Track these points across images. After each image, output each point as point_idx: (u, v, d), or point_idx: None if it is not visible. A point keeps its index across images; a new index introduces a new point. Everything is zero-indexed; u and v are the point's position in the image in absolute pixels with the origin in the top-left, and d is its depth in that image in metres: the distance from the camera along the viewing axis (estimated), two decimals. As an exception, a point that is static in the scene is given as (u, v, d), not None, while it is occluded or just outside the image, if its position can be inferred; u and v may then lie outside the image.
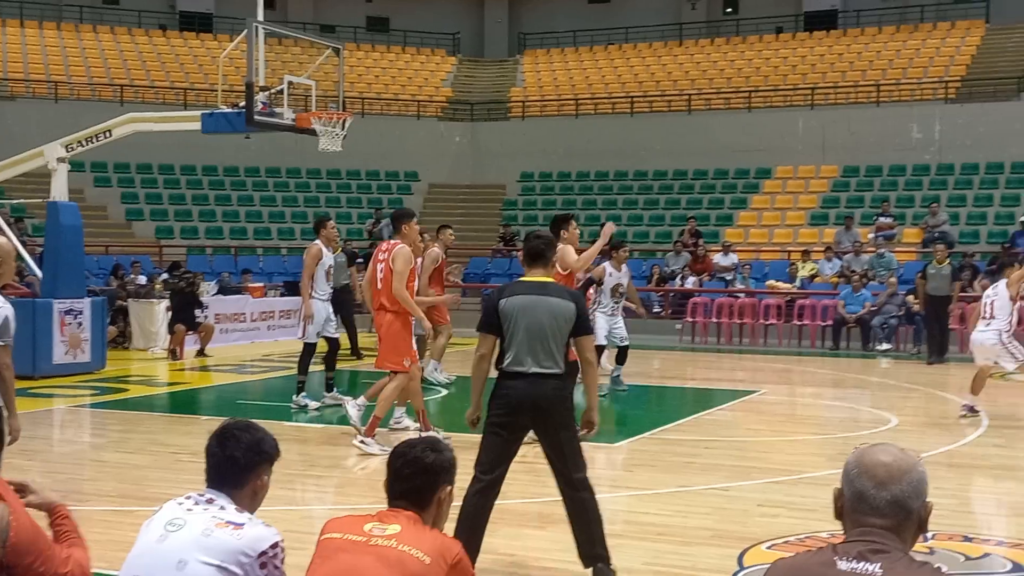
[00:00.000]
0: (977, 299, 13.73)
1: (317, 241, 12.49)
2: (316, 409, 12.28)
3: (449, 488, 3.63)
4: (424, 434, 9.51)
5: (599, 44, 36.79)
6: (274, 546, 3.42)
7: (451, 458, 3.67)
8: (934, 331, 18.53)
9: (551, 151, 30.90)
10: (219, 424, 3.70)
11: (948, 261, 18.81)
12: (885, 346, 19.99)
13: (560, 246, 9.93)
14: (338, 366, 13.24)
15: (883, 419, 12.14)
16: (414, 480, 3.55)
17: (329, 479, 9.22)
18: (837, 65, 31.80)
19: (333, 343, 12.80)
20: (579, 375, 6.54)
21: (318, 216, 14.72)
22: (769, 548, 6.72)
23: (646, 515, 7.70)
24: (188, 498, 3.55)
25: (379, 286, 10.07)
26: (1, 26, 33.08)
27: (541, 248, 6.20)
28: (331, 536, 3.50)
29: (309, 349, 12.38)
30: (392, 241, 10.28)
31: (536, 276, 6.16)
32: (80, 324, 15.53)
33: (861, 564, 2.61)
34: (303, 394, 12.43)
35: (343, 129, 16.10)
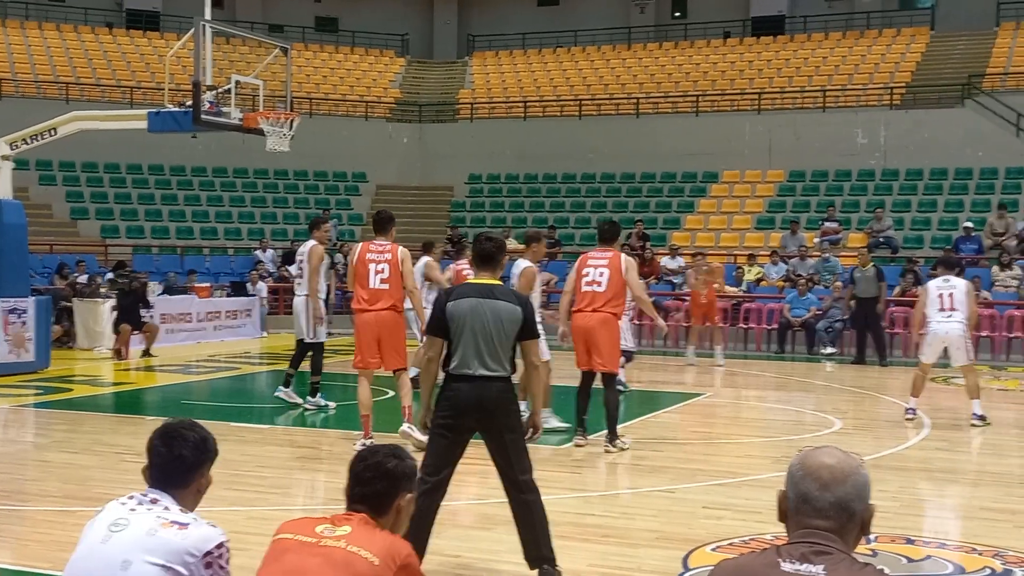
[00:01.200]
0: (914, 304, 14.02)
1: (312, 241, 12.36)
2: (333, 408, 12.43)
3: (409, 496, 3.63)
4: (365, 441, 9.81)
5: (548, 47, 36.90)
6: (219, 546, 3.42)
7: (412, 466, 3.67)
8: (863, 333, 18.93)
9: (499, 153, 30.94)
10: (161, 424, 3.68)
11: (872, 264, 19.24)
12: (830, 350, 20.23)
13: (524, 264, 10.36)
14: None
15: (827, 422, 12.29)
16: (374, 484, 3.55)
17: (274, 479, 9.17)
18: (784, 70, 32.15)
19: (311, 346, 12.50)
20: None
21: (313, 216, 14.60)
22: (714, 550, 6.79)
23: (592, 516, 7.74)
24: (131, 498, 3.54)
25: (384, 286, 9.97)
26: (-58, 20, 32.53)
27: (491, 251, 6.20)
28: (282, 537, 3.50)
29: (320, 348, 12.44)
30: (383, 242, 10.20)
31: (485, 279, 6.17)
32: (24, 323, 15.33)
33: (804, 566, 2.64)
34: (320, 395, 12.47)
35: (291, 129, 16.04)
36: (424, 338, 6.25)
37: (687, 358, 18.66)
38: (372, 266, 9.96)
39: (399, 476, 3.60)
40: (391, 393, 13.89)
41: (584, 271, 10.16)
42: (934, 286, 12.37)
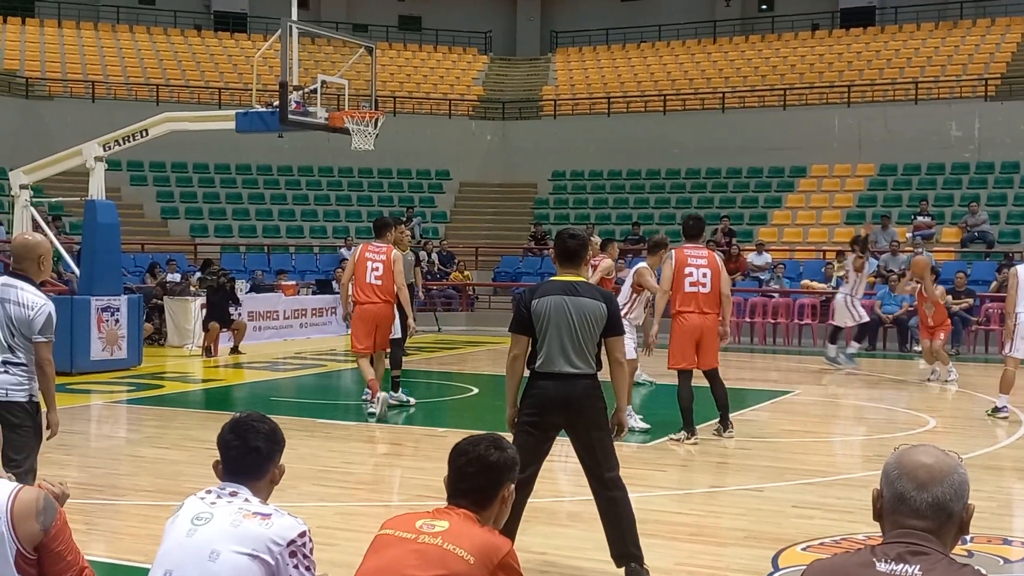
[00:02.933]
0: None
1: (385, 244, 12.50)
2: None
3: (512, 486, 3.62)
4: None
5: (631, 42, 36.69)
6: (302, 535, 3.45)
7: (514, 456, 3.65)
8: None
9: (583, 150, 30.83)
10: (229, 419, 3.71)
11: None
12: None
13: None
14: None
15: (920, 420, 12.01)
16: (478, 479, 3.54)
17: (360, 475, 9.22)
18: (874, 62, 31.53)
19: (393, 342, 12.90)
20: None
21: (391, 217, 14.86)
22: (804, 550, 6.66)
23: (679, 515, 7.65)
24: (209, 492, 3.57)
25: (378, 282, 11.44)
26: (39, 27, 33.42)
27: (575, 248, 6.11)
28: (384, 532, 3.51)
29: (399, 344, 12.72)
30: (380, 245, 11.62)
31: (568, 275, 6.09)
32: (117, 321, 15.66)
33: (900, 566, 2.58)
34: (402, 389, 12.64)
35: (375, 128, 16.14)
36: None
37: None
38: (369, 264, 11.46)
39: (502, 468, 3.57)
40: (475, 391, 13.94)
41: (687, 271, 10.19)
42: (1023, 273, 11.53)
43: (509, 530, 5.85)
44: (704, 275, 10.19)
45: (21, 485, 3.31)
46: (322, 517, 7.04)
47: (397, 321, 12.50)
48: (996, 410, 11.98)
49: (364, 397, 12.21)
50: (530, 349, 6.04)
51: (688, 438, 10.36)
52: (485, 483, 3.54)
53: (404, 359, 13.02)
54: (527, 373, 6.12)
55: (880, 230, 24.09)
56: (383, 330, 11.71)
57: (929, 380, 15.31)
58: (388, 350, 12.08)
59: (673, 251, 10.44)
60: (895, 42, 32.53)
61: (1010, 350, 11.65)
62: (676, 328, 10.30)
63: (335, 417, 11.92)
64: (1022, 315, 11.44)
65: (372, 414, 11.55)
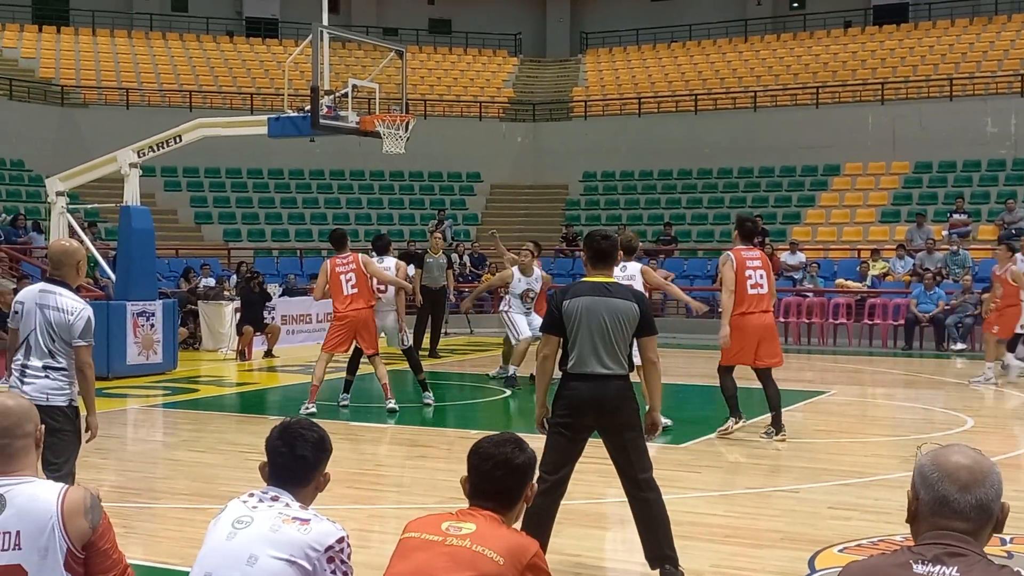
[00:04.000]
0: None
1: (351, 253, 12.60)
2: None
3: (533, 484, 3.66)
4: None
5: (662, 42, 36.59)
6: (340, 540, 3.46)
7: (534, 454, 3.69)
8: None
9: (614, 150, 30.77)
10: (279, 423, 3.73)
11: None
12: (960, 346, 19.61)
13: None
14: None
15: (958, 420, 11.90)
16: (506, 481, 3.56)
17: (393, 478, 9.25)
18: (908, 59, 31.27)
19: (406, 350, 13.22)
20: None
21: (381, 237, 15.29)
22: (841, 551, 6.61)
23: (714, 516, 7.61)
24: (252, 496, 3.59)
25: (354, 291, 11.82)
26: (74, 35, 33.77)
27: (608, 249, 6.13)
28: (410, 536, 3.52)
29: (412, 348, 13.13)
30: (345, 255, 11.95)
31: (600, 276, 6.09)
32: (152, 326, 15.78)
33: (938, 567, 2.58)
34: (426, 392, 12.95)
35: (406, 131, 16.16)
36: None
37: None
38: (342, 277, 11.79)
39: (527, 469, 3.62)
40: (507, 392, 13.94)
41: (747, 273, 10.42)
42: None
43: (543, 533, 5.86)
44: (761, 276, 10.49)
45: (67, 485, 3.36)
46: (355, 520, 7.06)
47: (400, 332, 12.75)
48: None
49: (305, 403, 12.06)
50: (561, 350, 6.03)
51: (737, 422, 10.58)
52: (512, 484, 3.56)
53: (437, 362, 13.14)
54: (558, 374, 6.12)
55: (916, 228, 23.89)
56: (365, 333, 12.00)
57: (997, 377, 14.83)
58: (371, 356, 12.12)
59: (731, 253, 10.48)
60: (929, 38, 32.25)
61: None
62: (739, 328, 10.40)
63: (368, 420, 11.96)
64: None
65: (393, 410, 12.04)
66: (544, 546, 5.86)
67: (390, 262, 12.61)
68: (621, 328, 5.91)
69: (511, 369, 14.34)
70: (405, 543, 3.50)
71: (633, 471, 5.99)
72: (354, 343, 12.17)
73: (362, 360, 12.47)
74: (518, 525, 3.71)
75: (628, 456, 5.99)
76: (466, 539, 3.39)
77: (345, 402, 12.59)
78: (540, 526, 5.86)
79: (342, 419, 11.66)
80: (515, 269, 14.42)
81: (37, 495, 3.28)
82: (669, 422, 10.90)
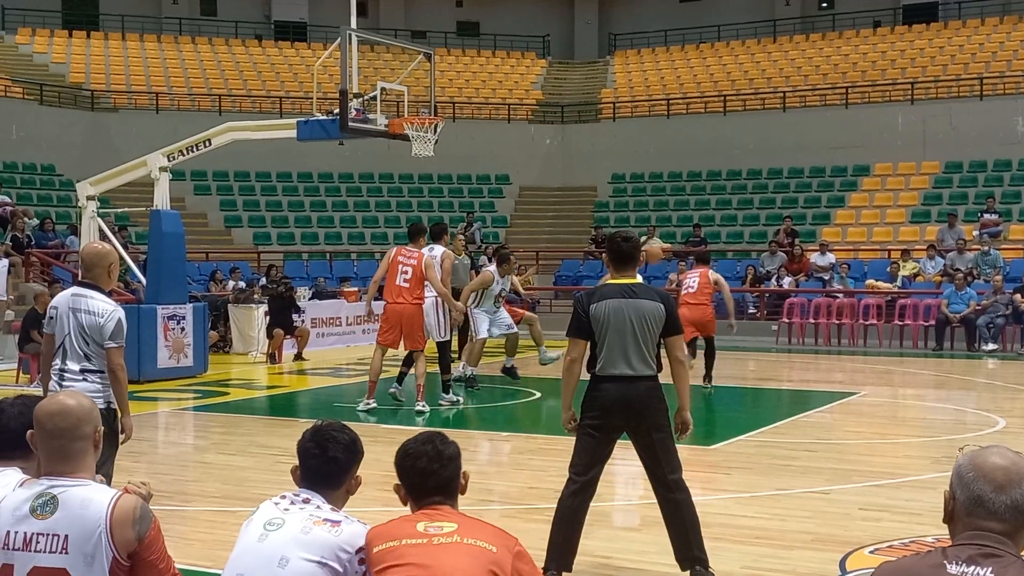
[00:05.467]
0: None
1: (441, 247, 12.95)
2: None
3: (467, 472, 3.76)
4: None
5: (690, 43, 36.50)
6: None
7: (457, 445, 3.79)
8: None
9: (642, 152, 30.72)
10: (311, 426, 3.74)
11: None
12: (991, 346, 19.45)
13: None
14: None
15: (990, 421, 11.80)
16: (443, 472, 3.64)
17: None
18: (938, 59, 31.06)
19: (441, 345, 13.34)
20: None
21: (438, 221, 15.71)
22: (872, 552, 6.57)
23: (744, 518, 7.58)
24: (283, 498, 3.60)
25: (406, 284, 11.92)
26: (103, 40, 34.04)
27: (630, 251, 6.13)
28: (388, 545, 3.45)
29: (447, 347, 13.26)
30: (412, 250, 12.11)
31: (625, 278, 6.09)
32: (183, 329, 15.87)
33: (972, 568, 2.57)
34: (451, 391, 13.10)
35: (435, 134, 16.20)
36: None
37: None
38: (400, 268, 11.97)
39: (456, 455, 3.71)
40: (537, 394, 13.94)
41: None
42: None
43: (574, 534, 5.86)
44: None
45: (121, 492, 3.35)
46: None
47: (438, 324, 12.90)
48: None
49: (363, 398, 12.56)
50: (588, 353, 6.03)
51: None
52: (450, 474, 3.65)
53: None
54: (584, 376, 6.12)
55: (947, 228, 23.71)
56: (409, 329, 12.05)
57: None
58: (419, 349, 12.19)
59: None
60: (959, 38, 32.02)
61: None
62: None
63: (398, 422, 11.98)
64: None
65: (421, 412, 12.04)
66: (575, 547, 5.87)
67: (439, 251, 12.79)
68: (649, 329, 5.92)
69: (469, 370, 14.47)
70: (388, 553, 3.42)
71: (662, 471, 5.98)
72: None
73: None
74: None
75: (657, 457, 5.98)
76: (453, 536, 3.42)
77: (394, 390, 12.72)
78: (571, 527, 5.86)
79: (371, 422, 11.68)
80: (495, 270, 14.43)
81: (89, 500, 3.27)
82: None
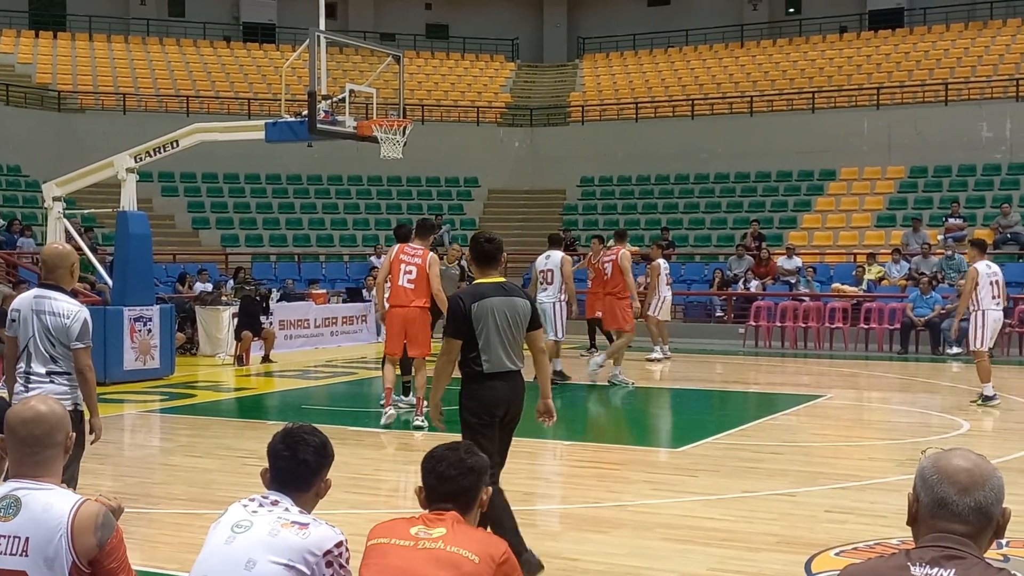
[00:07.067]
0: None
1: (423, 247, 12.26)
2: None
3: (489, 489, 3.75)
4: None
5: (659, 47, 36.63)
6: (339, 545, 3.47)
7: (486, 461, 3.79)
8: None
9: (611, 155, 30.80)
10: (282, 428, 3.74)
11: None
12: (955, 350, 19.63)
13: None
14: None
15: (954, 424, 11.92)
16: (461, 481, 3.63)
17: (392, 483, 9.26)
18: (903, 64, 31.34)
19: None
20: None
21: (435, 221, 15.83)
22: (838, 555, 6.63)
23: (711, 520, 7.63)
24: (252, 500, 3.60)
25: (411, 286, 11.21)
26: (70, 40, 33.76)
27: (493, 252, 6.45)
28: (378, 541, 3.54)
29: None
30: (416, 247, 11.45)
31: (493, 277, 6.41)
32: (150, 331, 15.78)
33: (935, 570, 2.58)
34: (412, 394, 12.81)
35: (403, 136, 16.20)
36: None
37: None
38: (403, 267, 11.23)
39: (480, 471, 3.70)
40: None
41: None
42: (984, 272, 12.99)
43: (506, 525, 5.99)
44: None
45: (85, 498, 3.35)
46: (353, 524, 7.03)
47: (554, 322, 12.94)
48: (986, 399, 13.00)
49: (380, 403, 12.06)
50: (463, 352, 6.27)
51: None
52: (468, 485, 3.64)
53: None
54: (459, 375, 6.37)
55: (912, 233, 23.93)
56: (414, 335, 11.25)
57: None
58: (422, 357, 11.46)
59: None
60: (924, 43, 32.33)
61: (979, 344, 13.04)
62: None
63: (367, 425, 11.95)
64: (991, 312, 12.95)
65: (419, 427, 11.12)
66: (522, 539, 6.04)
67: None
68: (520, 325, 6.32)
69: None
70: (375, 549, 3.51)
71: (504, 456, 6.38)
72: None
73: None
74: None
75: (507, 442, 6.40)
76: (438, 541, 3.44)
77: (401, 404, 12.17)
78: (508, 519, 6.06)
79: (342, 424, 11.65)
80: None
81: (52, 505, 3.28)
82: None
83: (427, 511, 3.64)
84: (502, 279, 6.47)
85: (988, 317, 12.94)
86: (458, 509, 3.59)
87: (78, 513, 3.27)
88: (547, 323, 14.39)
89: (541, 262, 15.64)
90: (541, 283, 15.36)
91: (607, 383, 14.94)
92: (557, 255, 15.32)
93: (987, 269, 13.15)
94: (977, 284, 12.94)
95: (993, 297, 12.96)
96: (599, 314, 16.12)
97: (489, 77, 36.17)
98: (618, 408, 14.33)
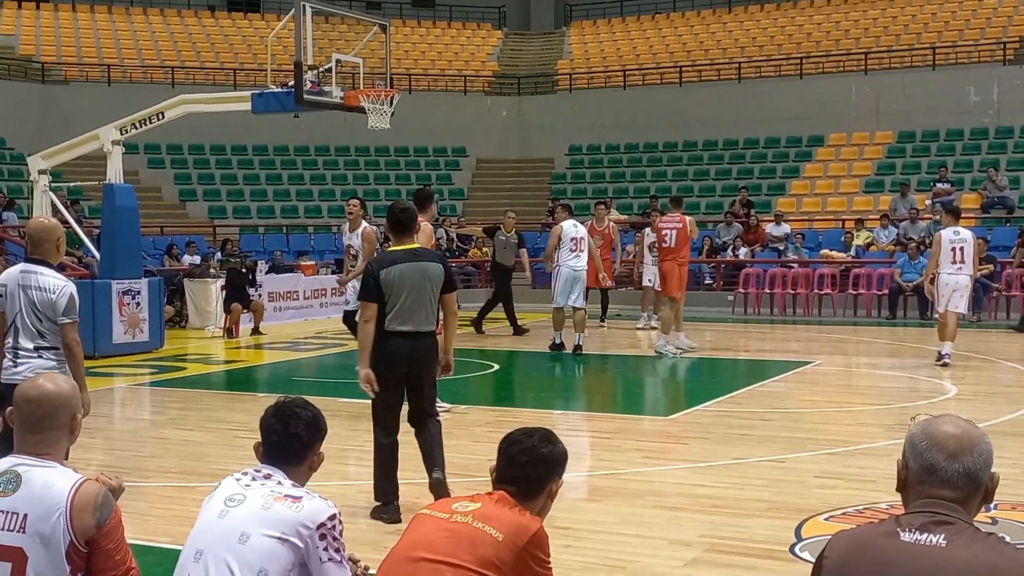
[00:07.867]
0: None
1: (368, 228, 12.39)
2: None
3: (560, 481, 3.69)
4: None
5: (646, 14, 36.47)
6: (332, 518, 3.48)
7: (564, 451, 3.72)
8: None
9: (599, 123, 30.72)
10: (274, 401, 3.74)
11: None
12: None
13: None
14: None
15: (942, 388, 11.99)
16: (528, 469, 3.59)
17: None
18: (891, 29, 31.26)
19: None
20: None
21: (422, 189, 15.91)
22: (827, 520, 6.67)
23: (701, 487, 7.66)
24: (245, 474, 3.60)
25: None
26: (54, 11, 33.47)
27: (406, 220, 6.94)
28: (422, 512, 3.62)
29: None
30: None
31: (407, 244, 6.87)
32: (138, 304, 15.75)
33: (925, 535, 2.60)
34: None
35: (391, 106, 16.12)
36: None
37: None
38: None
39: (553, 462, 3.65)
40: (495, 367, 13.96)
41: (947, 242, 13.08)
42: (947, 239, 13.40)
43: (394, 475, 6.80)
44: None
45: (85, 477, 3.34)
46: (345, 496, 7.09)
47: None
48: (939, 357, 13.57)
49: None
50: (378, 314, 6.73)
51: None
52: (534, 474, 3.60)
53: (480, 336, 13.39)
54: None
55: (900, 198, 23.95)
56: None
57: None
58: None
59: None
60: (912, 7, 32.22)
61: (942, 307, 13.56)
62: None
63: (357, 396, 11.94)
64: (943, 276, 13.42)
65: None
66: (396, 485, 6.77)
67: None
68: (432, 289, 6.77)
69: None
70: (416, 518, 3.59)
71: (423, 408, 6.92)
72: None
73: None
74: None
75: (421, 396, 6.91)
76: (469, 515, 3.44)
77: None
78: (391, 469, 6.86)
79: (334, 395, 11.66)
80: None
81: (52, 482, 3.27)
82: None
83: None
84: (415, 245, 6.95)
85: (939, 280, 13.44)
86: (519, 494, 3.55)
87: (78, 492, 3.26)
88: (578, 290, 15.30)
89: (570, 230, 15.43)
90: (573, 250, 15.34)
91: (670, 353, 14.86)
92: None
93: (953, 235, 13.45)
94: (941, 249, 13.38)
95: (952, 262, 13.32)
96: (610, 284, 17.71)
97: (476, 46, 35.99)
98: (608, 377, 14.35)
